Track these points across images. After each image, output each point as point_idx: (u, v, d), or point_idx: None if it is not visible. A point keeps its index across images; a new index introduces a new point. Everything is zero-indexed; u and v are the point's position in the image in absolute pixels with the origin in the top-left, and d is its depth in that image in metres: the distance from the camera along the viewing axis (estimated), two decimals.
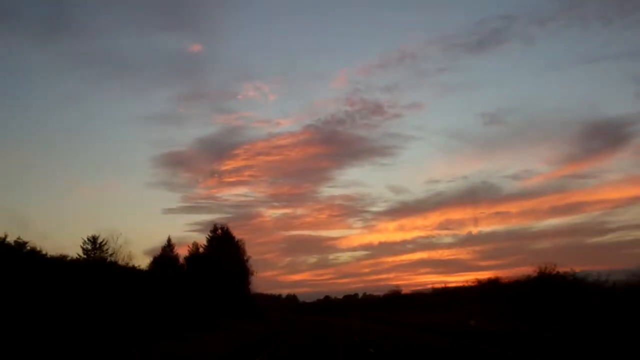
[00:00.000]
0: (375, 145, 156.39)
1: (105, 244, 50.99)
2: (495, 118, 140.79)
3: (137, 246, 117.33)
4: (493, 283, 41.85)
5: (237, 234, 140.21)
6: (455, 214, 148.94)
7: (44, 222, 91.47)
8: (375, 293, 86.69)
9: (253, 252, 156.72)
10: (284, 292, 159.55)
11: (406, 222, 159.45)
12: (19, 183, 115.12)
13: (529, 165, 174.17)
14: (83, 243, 46.46)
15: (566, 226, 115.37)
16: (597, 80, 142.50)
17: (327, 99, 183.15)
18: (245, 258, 66.69)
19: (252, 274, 68.47)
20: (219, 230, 64.90)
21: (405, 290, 62.30)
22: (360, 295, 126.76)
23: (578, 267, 29.93)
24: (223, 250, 59.92)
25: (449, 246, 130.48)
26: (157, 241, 57.91)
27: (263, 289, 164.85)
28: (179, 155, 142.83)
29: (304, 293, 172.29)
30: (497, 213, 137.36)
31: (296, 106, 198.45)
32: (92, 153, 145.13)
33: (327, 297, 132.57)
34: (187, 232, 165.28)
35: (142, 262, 55.99)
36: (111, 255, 48.38)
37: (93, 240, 51.71)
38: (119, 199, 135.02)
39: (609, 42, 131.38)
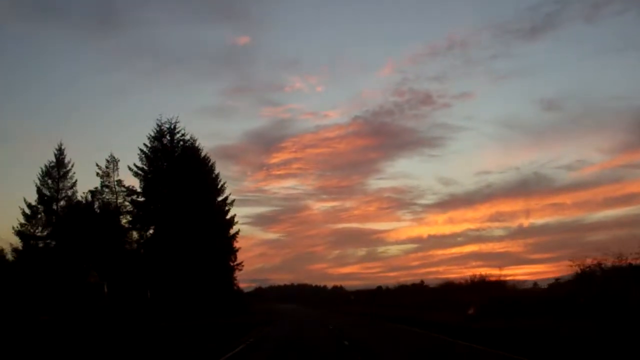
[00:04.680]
0: (424, 136, 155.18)
1: None
2: (550, 105, 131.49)
3: None
4: None
5: (285, 227, 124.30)
6: (506, 206, 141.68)
7: None
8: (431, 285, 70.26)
9: (302, 245, 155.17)
10: (331, 284, 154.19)
11: (456, 214, 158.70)
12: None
13: (583, 154, 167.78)
14: None
15: (622, 218, 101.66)
16: None
17: (375, 89, 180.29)
18: (223, 201, 39.18)
19: (236, 238, 40.33)
20: (167, 136, 35.77)
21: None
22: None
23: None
24: (176, 184, 32.35)
25: (500, 239, 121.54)
26: None
27: (310, 281, 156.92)
28: (227, 148, 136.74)
29: (352, 286, 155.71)
30: (550, 204, 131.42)
31: (343, 97, 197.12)
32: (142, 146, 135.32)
33: (379, 288, 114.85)
34: (235, 225, 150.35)
35: None
36: None
37: None
38: None
39: None
